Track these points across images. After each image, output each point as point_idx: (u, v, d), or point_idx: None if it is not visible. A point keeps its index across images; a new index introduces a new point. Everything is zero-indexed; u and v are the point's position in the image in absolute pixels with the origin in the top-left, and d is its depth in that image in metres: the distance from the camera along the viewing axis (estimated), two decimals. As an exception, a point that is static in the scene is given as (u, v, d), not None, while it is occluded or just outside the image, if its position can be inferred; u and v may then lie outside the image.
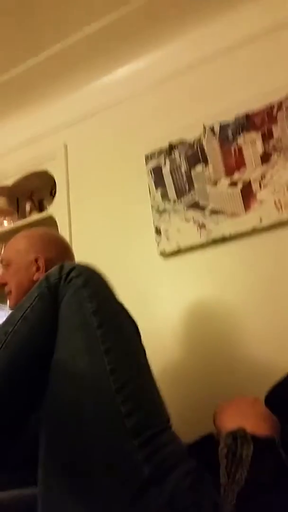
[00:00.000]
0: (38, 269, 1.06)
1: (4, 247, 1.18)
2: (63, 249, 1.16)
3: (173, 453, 0.58)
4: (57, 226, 2.00)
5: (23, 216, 2.23)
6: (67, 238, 1.94)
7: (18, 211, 2.30)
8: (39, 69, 2.01)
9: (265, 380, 1.26)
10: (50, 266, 0.99)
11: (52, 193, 2.16)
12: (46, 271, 1.00)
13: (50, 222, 2.04)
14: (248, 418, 0.61)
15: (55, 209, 2.06)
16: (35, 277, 1.05)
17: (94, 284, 0.73)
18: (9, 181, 2.25)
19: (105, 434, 0.58)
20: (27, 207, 2.22)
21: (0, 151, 2.37)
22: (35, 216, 2.14)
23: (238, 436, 0.54)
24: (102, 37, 1.88)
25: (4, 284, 1.09)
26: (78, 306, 0.70)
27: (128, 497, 0.53)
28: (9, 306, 1.09)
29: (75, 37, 1.90)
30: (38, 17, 1.78)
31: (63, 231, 1.97)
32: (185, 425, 0.95)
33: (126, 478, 0.54)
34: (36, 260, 1.07)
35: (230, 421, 0.62)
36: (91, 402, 0.61)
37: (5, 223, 2.23)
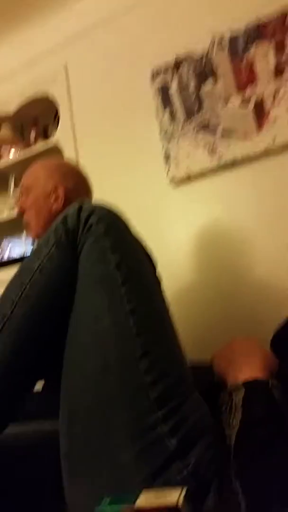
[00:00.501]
0: (56, 198, 1.02)
1: (23, 174, 1.11)
2: (81, 180, 1.11)
3: (196, 425, 0.56)
4: (62, 154, 1.96)
5: (28, 144, 2.17)
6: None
7: (23, 139, 2.24)
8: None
9: (275, 303, 1.34)
10: (68, 197, 1.02)
11: (56, 118, 2.08)
12: (64, 201, 1.01)
13: (57, 149, 1.99)
14: (242, 363, 0.63)
15: (60, 135, 1.99)
16: (53, 207, 1.01)
17: (116, 232, 0.68)
18: (10, 108, 2.16)
19: (128, 404, 0.55)
20: (32, 134, 2.16)
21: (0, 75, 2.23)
22: (41, 145, 2.09)
23: (232, 390, 0.58)
24: None
25: (23, 212, 1.04)
26: (100, 257, 0.65)
27: (152, 470, 0.51)
28: (29, 237, 1.06)
29: None
30: None
31: (69, 158, 1.93)
32: (197, 345, 1.03)
33: (149, 453, 0.52)
34: (55, 189, 1.02)
35: (226, 369, 0.65)
36: (114, 368, 0.57)
37: (12, 151, 2.19)
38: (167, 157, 1.61)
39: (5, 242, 2.39)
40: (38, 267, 0.66)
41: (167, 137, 1.62)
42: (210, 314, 1.45)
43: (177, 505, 0.41)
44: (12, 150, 2.21)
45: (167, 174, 1.61)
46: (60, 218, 0.70)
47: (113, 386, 0.56)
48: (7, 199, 2.28)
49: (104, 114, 1.87)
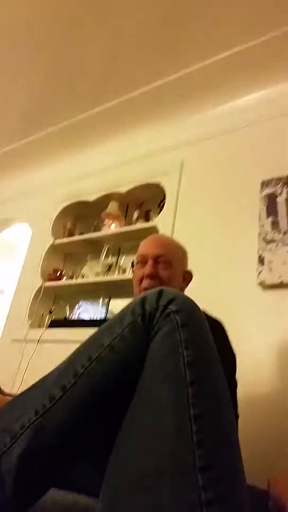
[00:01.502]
0: (185, 279, 1.14)
1: (154, 244, 1.15)
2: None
3: None
4: (159, 237, 2.06)
5: (130, 222, 2.33)
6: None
7: (125, 217, 2.42)
8: (171, 87, 2.11)
9: None
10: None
11: (160, 206, 2.23)
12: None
13: (153, 231, 2.10)
14: None
15: (161, 221, 2.12)
16: (182, 287, 1.12)
17: (194, 325, 0.64)
18: (123, 189, 2.39)
19: None
20: (135, 214, 2.33)
21: (120, 160, 2.53)
22: (140, 225, 2.23)
23: None
24: (236, 64, 1.91)
25: (156, 277, 1.06)
26: (172, 350, 0.60)
27: None
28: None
29: (210, 61, 1.96)
30: (179, 37, 1.88)
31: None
32: (254, 464, 0.89)
33: None
34: (186, 272, 1.16)
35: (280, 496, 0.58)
36: (168, 476, 0.51)
37: (113, 226, 2.36)
38: (261, 260, 1.60)
39: (80, 304, 2.46)
40: (109, 344, 0.64)
41: (266, 241, 1.62)
42: (279, 431, 1.26)
43: None
44: (113, 224, 2.39)
45: (258, 276, 1.57)
46: (138, 299, 0.69)
47: (164, 497, 0.49)
48: (93, 266, 2.40)
49: (207, 210, 1.97)
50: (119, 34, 1.90)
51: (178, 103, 2.24)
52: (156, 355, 0.62)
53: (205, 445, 0.51)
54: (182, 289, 1.11)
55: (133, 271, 1.16)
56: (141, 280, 1.08)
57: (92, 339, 0.68)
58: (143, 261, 1.09)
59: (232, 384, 0.94)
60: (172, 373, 0.58)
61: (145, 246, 1.13)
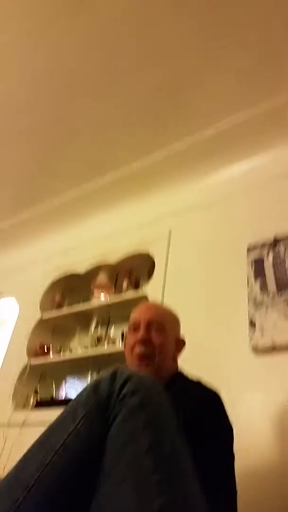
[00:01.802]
0: (178, 347, 1.10)
1: (146, 310, 1.13)
2: None
3: None
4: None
5: (119, 291, 2.30)
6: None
7: (115, 287, 2.39)
8: (157, 162, 2.24)
9: None
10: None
11: (150, 274, 2.22)
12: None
13: (143, 300, 2.06)
14: None
15: (150, 289, 2.10)
16: (175, 354, 1.09)
17: (152, 407, 0.61)
18: (112, 259, 2.40)
19: None
20: (124, 284, 2.31)
21: (109, 232, 2.58)
22: (130, 294, 2.20)
23: None
24: (218, 138, 2.05)
25: (148, 343, 1.02)
26: (131, 436, 0.57)
27: None
28: (141, 369, 1.01)
29: (194, 137, 2.10)
30: (162, 116, 2.03)
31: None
32: None
33: None
34: (180, 340, 1.13)
35: None
36: None
37: (102, 296, 2.33)
38: (252, 324, 1.55)
39: (67, 381, 2.33)
40: (61, 445, 0.59)
41: (255, 305, 1.59)
42: (281, 502, 1.11)
43: None
44: (102, 294, 2.36)
45: (250, 340, 1.51)
46: (90, 386, 0.66)
47: None
48: (82, 339, 2.32)
49: (196, 277, 1.96)
50: (107, 113, 2.05)
51: (164, 176, 2.35)
52: (115, 442, 0.58)
53: None
54: (175, 357, 1.08)
55: (124, 341, 1.13)
56: (133, 347, 1.04)
57: (43, 439, 0.63)
58: (135, 327, 1.06)
59: (230, 459, 0.86)
60: (133, 461, 0.55)
61: (138, 312, 1.11)
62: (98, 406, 0.61)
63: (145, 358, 1.00)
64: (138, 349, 1.02)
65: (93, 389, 0.64)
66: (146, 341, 1.02)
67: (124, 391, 0.61)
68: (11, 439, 2.00)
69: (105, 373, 0.66)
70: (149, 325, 1.04)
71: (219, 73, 1.78)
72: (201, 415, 0.83)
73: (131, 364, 1.03)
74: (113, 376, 0.64)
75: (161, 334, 1.04)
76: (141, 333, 1.03)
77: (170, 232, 2.25)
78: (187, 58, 1.74)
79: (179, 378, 1.01)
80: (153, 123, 2.07)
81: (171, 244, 2.20)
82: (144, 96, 1.92)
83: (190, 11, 1.56)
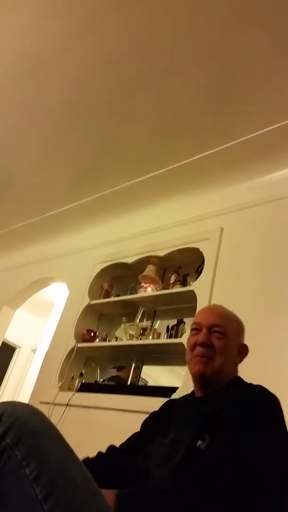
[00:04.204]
0: (240, 354, 1.08)
1: (210, 313, 1.12)
2: None
3: None
4: (196, 303, 2.01)
5: (166, 285, 2.32)
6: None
7: (162, 281, 2.41)
8: (213, 159, 2.19)
9: None
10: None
11: (198, 271, 2.22)
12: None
13: (190, 296, 2.07)
14: None
15: (198, 286, 2.09)
16: (236, 360, 1.07)
17: (29, 436, 0.58)
18: (162, 252, 2.41)
19: None
20: (172, 278, 2.31)
21: (160, 225, 2.59)
22: (177, 289, 2.21)
23: None
24: (276, 138, 1.97)
25: (209, 346, 1.03)
26: (14, 478, 0.55)
27: None
28: (199, 371, 1.02)
29: (251, 135, 2.03)
30: (224, 112, 1.98)
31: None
32: None
33: None
34: (242, 346, 1.10)
35: None
36: None
37: (149, 289, 2.36)
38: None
39: (111, 368, 2.40)
40: None
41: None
42: None
43: None
44: (149, 287, 2.38)
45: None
46: None
47: None
48: (127, 328, 2.36)
49: (247, 278, 1.93)
50: (163, 109, 2.04)
51: (219, 173, 2.31)
52: (6, 496, 0.56)
53: None
54: (236, 363, 1.07)
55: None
56: (193, 347, 1.06)
57: None
58: (197, 328, 1.08)
59: (283, 466, 0.84)
60: (25, 501, 0.54)
61: (202, 314, 1.12)
62: None
63: (204, 358, 1.02)
64: (197, 351, 1.04)
65: None
66: (206, 345, 1.03)
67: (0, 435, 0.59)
68: (54, 419, 2.10)
69: None
70: (210, 329, 1.05)
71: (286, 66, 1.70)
72: (258, 415, 0.84)
73: (190, 362, 1.06)
74: None
75: (222, 339, 1.04)
76: (201, 336, 1.04)
77: (222, 229, 2.22)
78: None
79: (239, 381, 1.02)
80: (212, 119, 2.03)
81: (222, 242, 2.17)
82: (206, 89, 1.89)
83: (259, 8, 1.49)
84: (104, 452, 1.08)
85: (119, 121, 2.17)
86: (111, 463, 1.01)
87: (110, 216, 2.85)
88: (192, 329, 1.10)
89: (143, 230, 2.66)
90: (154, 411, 1.12)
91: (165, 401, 1.14)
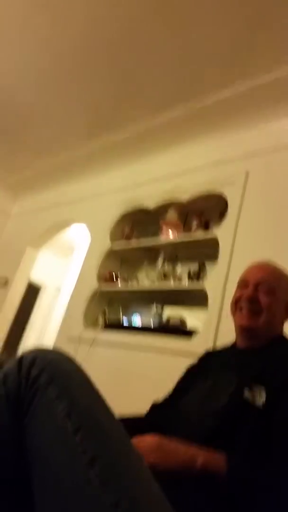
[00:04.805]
0: (287, 312, 1.06)
1: (257, 270, 1.09)
2: None
3: None
4: (218, 249, 2.02)
5: (188, 230, 2.31)
6: (226, 264, 1.94)
7: (184, 226, 2.40)
8: (240, 97, 2.07)
9: None
10: None
11: (221, 216, 2.19)
12: None
13: (212, 243, 2.07)
14: None
15: (221, 232, 2.07)
16: (284, 319, 1.06)
17: (60, 378, 0.63)
18: (184, 197, 2.37)
19: None
20: (194, 223, 2.30)
21: (182, 169, 2.52)
22: (199, 234, 2.20)
23: None
24: None
25: (255, 301, 1.02)
26: (48, 412, 0.60)
27: None
28: (243, 326, 1.02)
29: (283, 71, 1.89)
30: (252, 43, 1.83)
31: (223, 256, 1.97)
32: None
33: None
34: None
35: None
36: None
37: (170, 233, 2.36)
38: None
39: (133, 310, 2.49)
40: None
41: None
42: None
43: None
44: (171, 232, 2.38)
45: None
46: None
47: None
48: (149, 272, 2.41)
49: (272, 225, 1.89)
50: (189, 40, 1.89)
51: (247, 113, 2.18)
52: (36, 429, 0.60)
53: (109, 483, 0.53)
54: (283, 321, 1.06)
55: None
56: (237, 301, 1.06)
57: None
58: (244, 285, 1.07)
59: None
60: (56, 432, 0.58)
61: (249, 271, 1.10)
62: (8, 399, 0.62)
63: (250, 312, 1.02)
64: (243, 304, 1.04)
65: (2, 382, 0.64)
66: (252, 300, 1.02)
67: (31, 374, 0.63)
68: (80, 356, 2.24)
69: (12, 362, 0.66)
70: (257, 285, 1.04)
71: None
72: None
73: (234, 314, 1.06)
74: (19, 364, 0.65)
75: (269, 296, 1.02)
76: (248, 291, 1.03)
77: (247, 174, 2.15)
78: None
79: (282, 341, 1.02)
80: (238, 51, 1.87)
81: (247, 187, 2.11)
82: (232, 24, 1.73)
83: None
84: (147, 411, 1.09)
85: (140, 56, 2.04)
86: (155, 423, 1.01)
87: (131, 159, 2.79)
88: (238, 285, 1.09)
89: (164, 173, 2.60)
90: (193, 363, 1.13)
91: (203, 353, 1.15)
